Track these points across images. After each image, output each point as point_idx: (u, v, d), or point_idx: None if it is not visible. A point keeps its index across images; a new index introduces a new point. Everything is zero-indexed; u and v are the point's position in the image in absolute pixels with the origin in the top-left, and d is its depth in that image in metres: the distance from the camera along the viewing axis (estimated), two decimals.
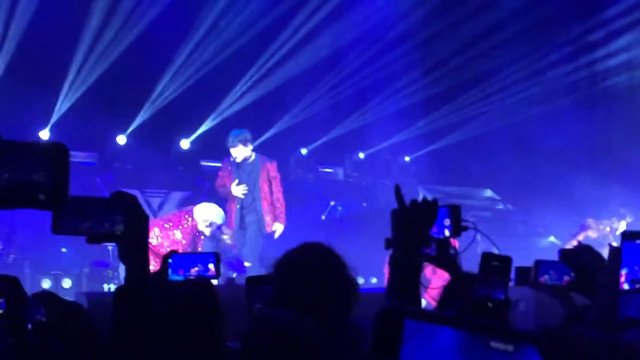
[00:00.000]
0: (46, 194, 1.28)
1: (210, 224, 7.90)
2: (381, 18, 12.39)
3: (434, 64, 12.97)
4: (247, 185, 8.82)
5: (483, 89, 13.38)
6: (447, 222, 2.70)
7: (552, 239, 12.45)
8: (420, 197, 2.24)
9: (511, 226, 13.15)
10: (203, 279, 2.84)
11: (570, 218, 11.02)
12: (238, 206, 8.86)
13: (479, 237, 2.85)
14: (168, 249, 7.41)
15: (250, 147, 8.95)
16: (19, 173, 1.27)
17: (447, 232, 2.70)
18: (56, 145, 1.32)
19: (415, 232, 2.16)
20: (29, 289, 2.65)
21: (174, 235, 7.71)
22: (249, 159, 8.92)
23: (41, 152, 1.30)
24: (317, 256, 2.45)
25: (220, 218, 8.01)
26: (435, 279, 6.42)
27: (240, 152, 8.83)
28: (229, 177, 8.92)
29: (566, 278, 3.07)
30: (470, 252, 2.96)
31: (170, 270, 2.79)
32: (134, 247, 1.84)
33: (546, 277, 3.11)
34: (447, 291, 2.76)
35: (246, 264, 8.84)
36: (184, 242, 7.73)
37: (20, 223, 9.62)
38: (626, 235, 2.06)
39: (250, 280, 2.71)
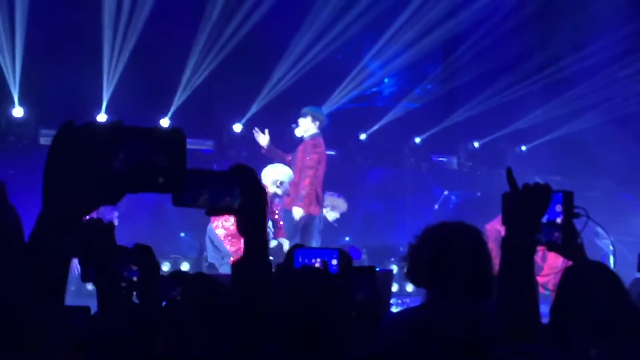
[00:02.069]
0: (165, 177, 1.33)
1: (281, 184, 8.02)
2: (501, 3, 12.09)
3: (554, 50, 12.55)
4: (293, 163, 8.62)
5: (604, 77, 12.83)
6: (558, 208, 2.65)
7: None
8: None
9: (633, 218, 12.61)
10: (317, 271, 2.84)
11: None
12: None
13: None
14: None
15: (312, 124, 8.69)
16: (139, 158, 1.32)
17: (558, 219, 2.65)
18: (174, 130, 1.36)
19: (527, 216, 2.14)
20: None
21: None
22: (304, 136, 8.74)
23: (160, 137, 1.34)
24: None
25: (288, 177, 8.09)
26: (546, 267, 6.24)
27: (302, 123, 8.71)
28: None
29: None
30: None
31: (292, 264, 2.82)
32: (253, 220, 1.85)
33: None
34: (569, 279, 2.68)
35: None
36: None
37: (139, 208, 9.97)
38: None
39: (354, 270, 2.72)
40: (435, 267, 2.71)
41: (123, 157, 1.31)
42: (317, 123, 8.71)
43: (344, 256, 2.77)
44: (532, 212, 2.15)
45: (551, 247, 2.69)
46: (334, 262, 2.87)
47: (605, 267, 2.74)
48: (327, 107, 12.14)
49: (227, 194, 1.81)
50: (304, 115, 8.72)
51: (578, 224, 2.74)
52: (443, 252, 2.70)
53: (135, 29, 10.65)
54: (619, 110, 12.73)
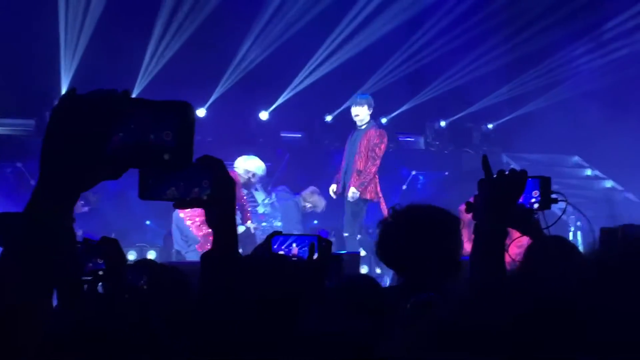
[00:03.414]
0: (171, 154, 1.25)
1: (253, 176, 8.15)
2: None
3: (518, 27, 12.56)
4: (352, 153, 8.77)
5: (569, 52, 12.89)
6: (535, 193, 2.68)
7: None
8: (505, 166, 2.23)
9: (601, 193, 12.73)
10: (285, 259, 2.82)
11: None
12: (343, 174, 8.93)
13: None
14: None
15: (368, 112, 8.80)
16: (145, 132, 1.25)
17: (535, 205, 2.69)
18: (183, 104, 1.28)
19: (502, 202, 2.17)
20: None
21: None
22: (362, 125, 8.82)
23: (168, 111, 1.27)
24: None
25: (260, 170, 8.22)
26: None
27: (361, 112, 8.75)
28: (346, 145, 8.95)
29: None
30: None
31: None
32: (222, 212, 1.83)
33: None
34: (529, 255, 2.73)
35: (345, 234, 8.97)
36: None
37: (104, 196, 9.85)
38: None
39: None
40: (403, 251, 2.73)
41: (127, 130, 1.23)
42: (371, 111, 8.85)
43: (322, 242, 2.75)
44: (506, 198, 2.18)
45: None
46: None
47: (563, 239, 2.78)
48: (291, 90, 12.05)
49: (195, 186, 1.77)
50: (361, 104, 8.79)
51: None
52: (411, 236, 2.71)
53: (93, 14, 10.47)
54: (582, 86, 12.79)
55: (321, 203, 9.78)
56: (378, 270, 10.48)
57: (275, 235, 2.83)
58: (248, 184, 8.31)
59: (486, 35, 12.62)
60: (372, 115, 8.96)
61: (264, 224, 9.61)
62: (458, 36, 12.35)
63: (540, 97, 13.03)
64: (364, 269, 10.15)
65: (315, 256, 2.76)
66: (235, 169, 8.18)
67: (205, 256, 1.88)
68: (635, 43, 12.68)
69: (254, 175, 8.24)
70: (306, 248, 2.78)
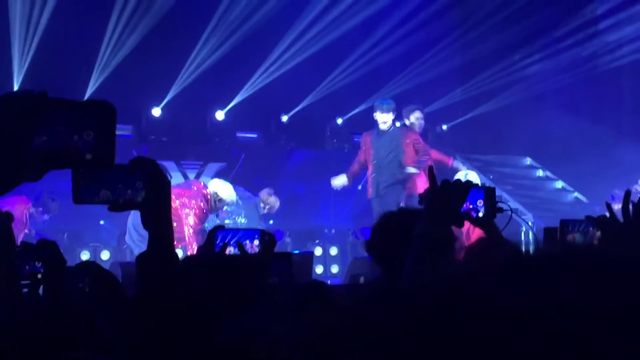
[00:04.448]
0: (93, 153, 1.26)
1: (220, 200, 7.95)
2: None
3: (471, 29, 12.73)
4: (389, 151, 9.02)
5: (522, 54, 13.11)
6: (480, 203, 2.76)
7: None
8: (457, 165, 2.29)
9: (552, 194, 12.96)
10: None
11: (617, 185, 10.77)
12: (374, 175, 9.05)
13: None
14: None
15: (393, 116, 9.18)
16: (65, 132, 1.24)
17: (480, 214, 2.77)
18: (103, 104, 1.29)
19: (443, 209, 2.21)
20: (68, 261, 2.70)
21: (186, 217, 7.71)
22: (390, 128, 9.12)
23: (88, 111, 1.27)
24: None
25: (229, 198, 8.06)
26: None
27: (389, 118, 9.07)
28: (369, 148, 9.14)
29: (597, 235, 2.95)
30: None
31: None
32: (156, 214, 1.82)
33: (575, 235, 3.01)
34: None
35: None
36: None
37: (58, 195, 9.73)
38: None
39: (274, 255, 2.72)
40: (390, 248, 2.77)
41: (47, 132, 1.23)
42: (395, 114, 9.27)
43: (265, 236, 2.76)
44: (448, 206, 2.22)
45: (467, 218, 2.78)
46: (256, 242, 2.85)
47: (511, 243, 2.84)
48: (247, 90, 12.05)
49: (128, 188, 1.76)
50: (388, 111, 9.08)
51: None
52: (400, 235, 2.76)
53: (46, 10, 10.33)
54: (533, 89, 13.02)
55: (276, 204, 9.91)
56: (334, 270, 10.56)
57: (217, 229, 2.80)
58: (213, 208, 8.09)
59: (440, 36, 12.76)
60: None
61: (227, 221, 9.55)
62: (413, 37, 12.47)
63: (493, 98, 13.21)
64: (319, 269, 10.22)
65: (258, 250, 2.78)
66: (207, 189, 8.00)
67: (140, 257, 1.87)
68: (583, 46, 12.96)
69: (220, 200, 8.03)
70: (251, 241, 2.79)
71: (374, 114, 9.23)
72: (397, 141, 9.06)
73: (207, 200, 7.88)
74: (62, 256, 2.56)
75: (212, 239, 2.75)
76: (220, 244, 2.75)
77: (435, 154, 9.43)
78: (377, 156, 9.06)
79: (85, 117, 1.26)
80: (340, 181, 9.39)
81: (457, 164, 9.71)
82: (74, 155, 1.25)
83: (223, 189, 8.02)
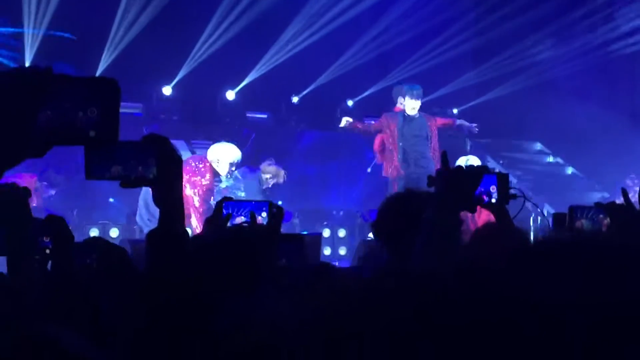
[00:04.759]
0: (97, 130, 1.26)
1: (218, 161, 8.01)
2: None
3: (485, 13, 12.64)
4: (418, 137, 9.16)
5: (535, 39, 13.01)
6: (493, 189, 2.75)
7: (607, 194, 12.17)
8: (467, 147, 2.26)
9: (563, 180, 12.92)
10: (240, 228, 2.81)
11: (628, 171, 10.73)
12: (400, 156, 9.14)
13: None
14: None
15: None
16: (69, 108, 1.25)
17: (493, 200, 2.76)
18: (108, 80, 1.29)
19: (455, 194, 2.19)
20: (77, 238, 2.71)
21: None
22: (416, 114, 9.23)
23: (92, 87, 1.27)
24: None
25: (227, 155, 8.11)
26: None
27: (418, 105, 9.20)
28: (394, 132, 9.18)
29: (606, 222, 2.94)
30: None
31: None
32: (167, 191, 1.82)
33: (582, 221, 2.99)
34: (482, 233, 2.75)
35: None
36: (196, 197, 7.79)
37: (67, 172, 9.75)
38: None
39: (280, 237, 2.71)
40: (397, 228, 2.78)
41: (51, 108, 1.23)
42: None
43: (273, 208, 2.76)
44: (461, 191, 2.20)
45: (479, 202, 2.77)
46: (264, 214, 2.85)
47: (520, 230, 2.82)
48: (258, 70, 12.01)
49: (140, 164, 1.77)
50: (418, 97, 9.24)
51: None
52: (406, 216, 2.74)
53: None
54: (546, 74, 12.93)
55: (279, 173, 9.60)
56: (342, 252, 10.57)
57: (225, 200, 2.80)
58: (219, 173, 8.17)
59: (453, 20, 12.68)
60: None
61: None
62: (425, 20, 12.39)
63: (505, 83, 13.14)
64: (326, 251, 10.23)
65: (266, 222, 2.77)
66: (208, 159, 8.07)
67: (151, 234, 1.87)
68: (597, 31, 12.85)
69: (218, 161, 8.08)
70: (258, 214, 2.78)
71: (400, 98, 9.24)
72: (426, 128, 9.19)
73: (209, 171, 7.92)
74: (70, 232, 2.58)
75: (220, 211, 2.76)
76: (226, 214, 2.76)
77: (441, 121, 9.58)
78: (403, 140, 9.12)
79: (89, 94, 1.26)
80: (346, 119, 9.57)
81: (460, 122, 9.87)
82: (77, 131, 1.25)
83: (219, 151, 8.08)
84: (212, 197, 8.24)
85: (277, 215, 2.70)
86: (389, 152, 9.24)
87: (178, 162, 1.83)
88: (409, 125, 9.17)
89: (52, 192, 9.19)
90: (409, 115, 9.16)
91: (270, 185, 9.57)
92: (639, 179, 10.37)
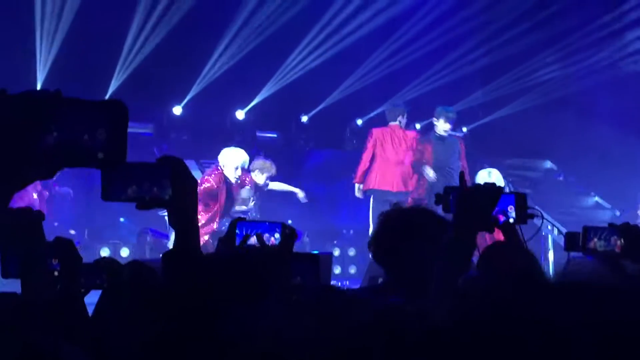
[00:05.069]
0: (105, 152, 1.27)
1: (224, 166, 8.10)
2: None
3: (492, 33, 12.67)
4: (450, 158, 9.35)
5: (542, 58, 13.03)
6: (510, 208, 2.74)
7: (617, 213, 12.12)
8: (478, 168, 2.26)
9: (572, 198, 12.87)
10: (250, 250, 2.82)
11: (636, 190, 10.69)
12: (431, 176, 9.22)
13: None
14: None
15: None
16: (77, 131, 1.26)
17: (511, 220, 2.75)
18: (115, 103, 1.30)
19: (473, 214, 2.17)
20: (89, 258, 2.72)
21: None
22: (447, 134, 9.48)
23: (100, 110, 1.29)
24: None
25: (242, 161, 8.16)
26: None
27: (449, 127, 9.43)
28: (430, 152, 9.37)
29: (619, 244, 2.93)
30: None
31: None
32: (183, 212, 1.84)
33: (596, 241, 2.98)
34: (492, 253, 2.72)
35: None
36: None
37: (76, 193, 9.81)
38: None
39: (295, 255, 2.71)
40: (394, 249, 2.79)
41: (60, 130, 1.24)
42: None
43: (286, 229, 2.76)
44: (478, 210, 2.19)
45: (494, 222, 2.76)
46: (277, 235, 2.85)
47: (528, 252, 2.82)
48: (268, 90, 12.07)
49: (154, 185, 1.79)
50: (452, 120, 9.53)
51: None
52: (403, 235, 2.77)
53: (70, 9, 10.40)
54: (557, 92, 12.94)
55: (267, 163, 9.05)
56: (352, 271, 10.56)
57: (238, 221, 2.82)
58: (228, 176, 8.25)
59: (462, 39, 12.71)
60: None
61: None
62: (435, 39, 12.43)
63: (512, 102, 13.15)
64: (337, 270, 10.22)
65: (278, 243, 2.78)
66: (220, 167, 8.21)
67: (166, 255, 1.89)
68: (607, 49, 12.86)
69: (224, 166, 8.14)
70: (271, 235, 2.79)
71: (436, 120, 9.46)
72: (458, 150, 9.43)
73: (216, 177, 8.01)
74: (78, 254, 2.59)
75: (233, 231, 2.77)
76: (242, 236, 2.77)
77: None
78: (437, 161, 9.29)
79: (98, 116, 1.28)
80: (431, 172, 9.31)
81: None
82: (86, 153, 1.27)
83: (225, 155, 8.23)
84: (217, 202, 8.20)
85: (289, 236, 2.72)
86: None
87: (193, 183, 1.85)
88: (443, 146, 9.38)
89: (68, 189, 9.23)
90: (440, 136, 9.40)
91: (267, 182, 9.09)
92: None
